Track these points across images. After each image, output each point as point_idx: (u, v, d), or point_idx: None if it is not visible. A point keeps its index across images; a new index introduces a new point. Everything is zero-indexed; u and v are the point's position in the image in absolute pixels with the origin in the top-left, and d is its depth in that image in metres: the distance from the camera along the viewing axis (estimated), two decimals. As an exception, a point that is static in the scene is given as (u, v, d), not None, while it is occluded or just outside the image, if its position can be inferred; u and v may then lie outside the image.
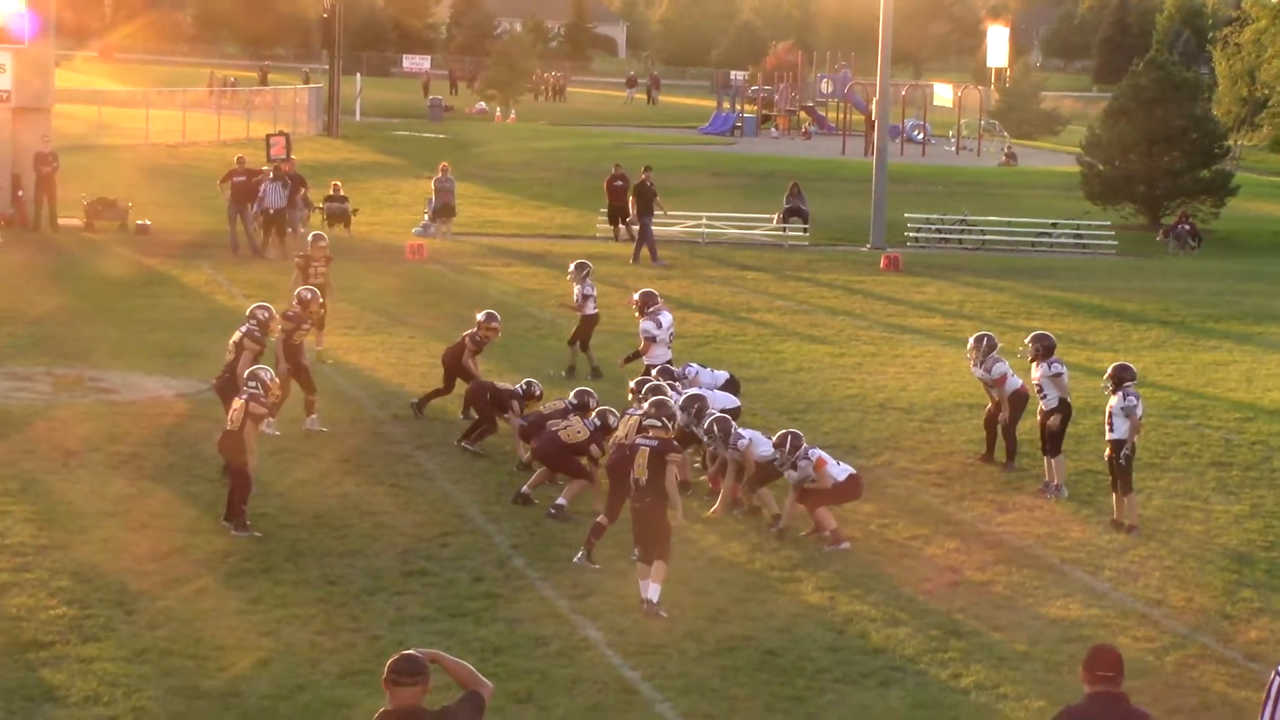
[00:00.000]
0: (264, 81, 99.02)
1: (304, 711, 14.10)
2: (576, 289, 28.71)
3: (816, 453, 19.77)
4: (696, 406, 20.99)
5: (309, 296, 24.53)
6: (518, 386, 23.23)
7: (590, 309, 28.57)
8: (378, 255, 42.42)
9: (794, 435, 19.94)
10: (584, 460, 20.64)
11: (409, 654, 9.47)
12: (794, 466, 19.72)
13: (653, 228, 44.86)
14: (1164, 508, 21.78)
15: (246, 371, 19.76)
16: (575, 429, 20.74)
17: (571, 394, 21.79)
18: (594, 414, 21.01)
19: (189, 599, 16.67)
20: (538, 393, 23.12)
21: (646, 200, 45.02)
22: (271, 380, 19.47)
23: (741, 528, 20.03)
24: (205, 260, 40.11)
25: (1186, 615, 17.65)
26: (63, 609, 16.21)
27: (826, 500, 19.57)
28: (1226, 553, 19.98)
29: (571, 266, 29.34)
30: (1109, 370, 21.09)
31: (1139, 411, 20.55)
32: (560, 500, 20.25)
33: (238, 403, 19.12)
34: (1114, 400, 20.65)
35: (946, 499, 21.84)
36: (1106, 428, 20.74)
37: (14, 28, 44.35)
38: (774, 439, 20.05)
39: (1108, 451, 20.81)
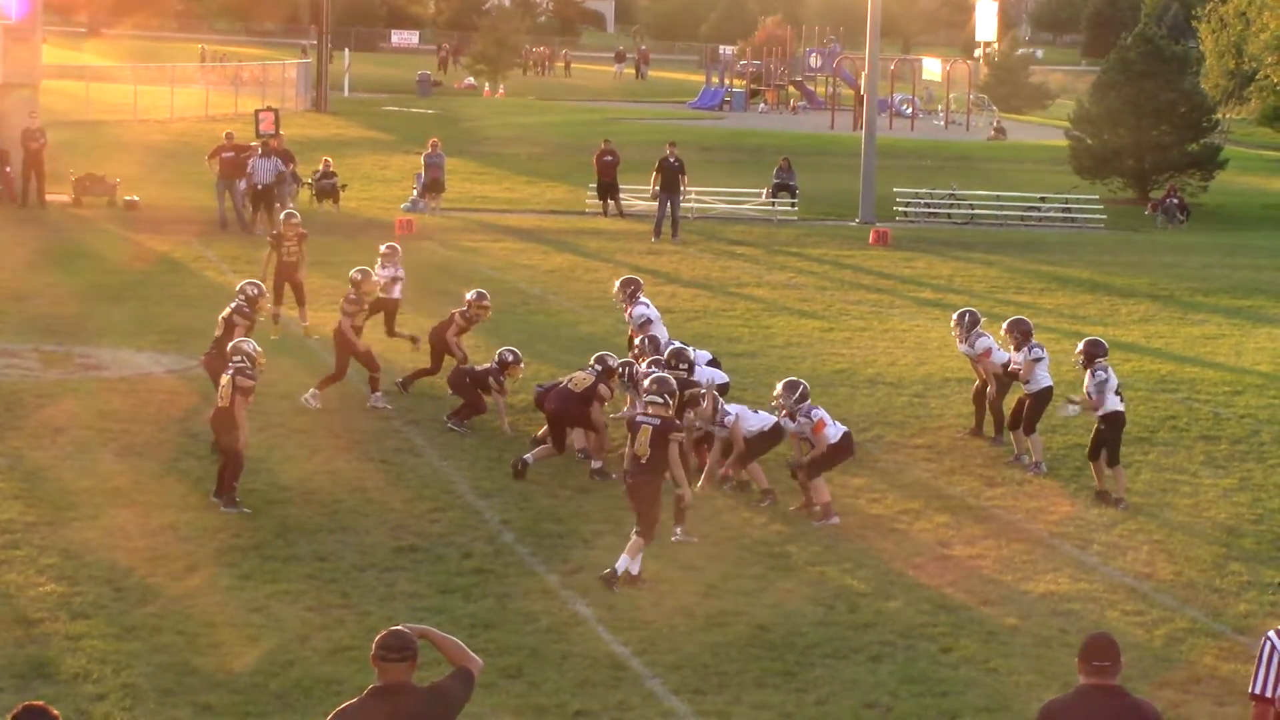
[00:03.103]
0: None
1: (294, 688, 14.11)
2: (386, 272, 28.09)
3: (819, 413, 19.63)
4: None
5: (359, 277, 24.30)
6: (492, 362, 23.19)
7: (395, 293, 27.97)
8: (366, 231, 42.32)
9: (804, 385, 19.86)
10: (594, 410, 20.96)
11: (397, 630, 9.46)
12: (792, 417, 19.63)
13: (666, 205, 44.17)
14: (1152, 481, 21.82)
15: (230, 345, 19.71)
16: (581, 377, 21.03)
17: (593, 359, 21.71)
18: (592, 359, 21.31)
19: (178, 576, 16.67)
20: (510, 359, 23.11)
21: (670, 176, 44.39)
22: (255, 352, 19.40)
23: (731, 503, 20.04)
24: (193, 236, 40.06)
25: (1175, 589, 17.68)
26: (51, 586, 16.20)
27: (824, 466, 19.51)
28: (1215, 526, 20.02)
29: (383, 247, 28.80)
30: (1080, 345, 21.16)
31: (1111, 380, 20.57)
32: (595, 464, 20.64)
33: (225, 378, 19.09)
34: (1086, 379, 20.78)
35: (936, 473, 21.87)
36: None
37: (3, 4, 44.27)
38: (782, 383, 19.96)
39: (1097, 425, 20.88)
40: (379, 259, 28.00)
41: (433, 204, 47.05)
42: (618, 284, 25.51)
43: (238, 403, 18.92)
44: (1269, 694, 10.86)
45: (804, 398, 19.63)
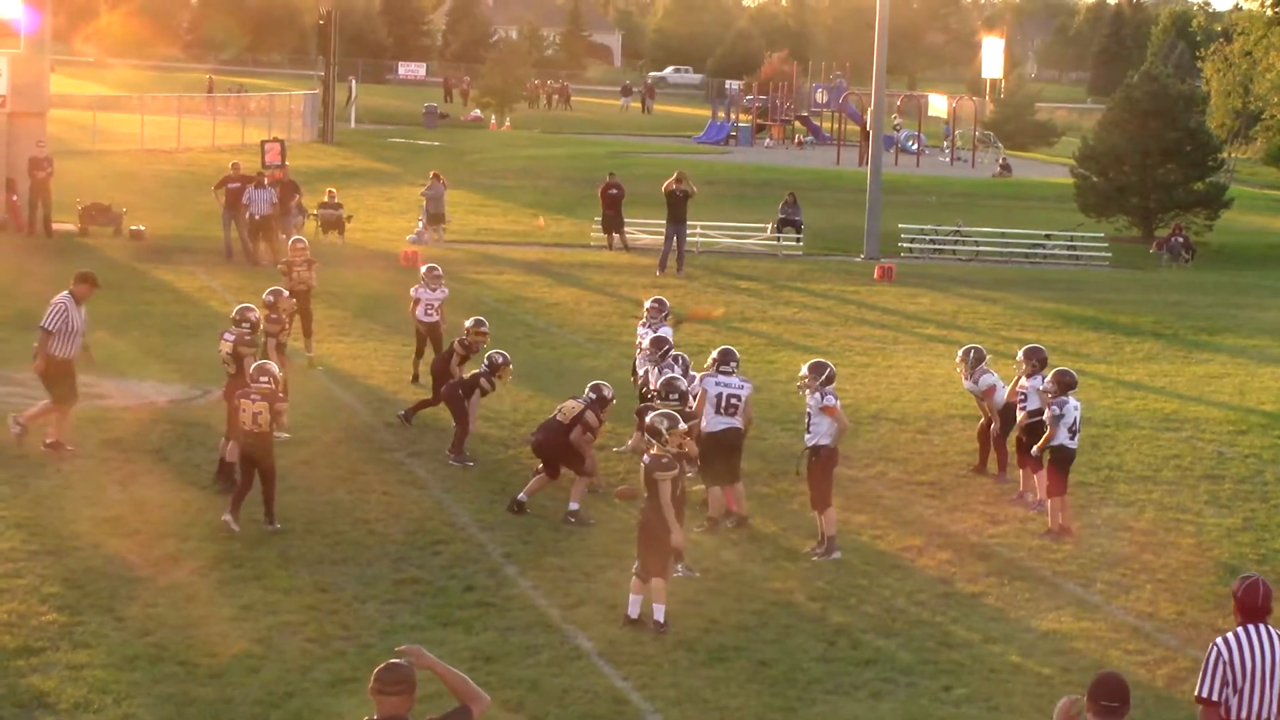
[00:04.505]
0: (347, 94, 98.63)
1: (294, 719, 14.08)
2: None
3: (834, 400, 19.66)
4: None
5: (272, 299, 24.35)
6: (483, 365, 23.20)
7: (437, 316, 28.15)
8: (372, 262, 42.42)
9: (831, 368, 19.76)
10: (583, 434, 20.76)
11: (394, 663, 9.39)
12: (812, 392, 19.51)
13: (673, 238, 44.11)
14: (1156, 520, 21.80)
15: (254, 367, 19.80)
16: (571, 406, 20.91)
17: (588, 387, 21.63)
18: (588, 389, 21.18)
19: (180, 605, 16.66)
20: (500, 360, 23.21)
21: (676, 207, 44.26)
22: (280, 374, 19.65)
23: (733, 538, 20.02)
24: (199, 266, 40.10)
25: (1178, 629, 17.65)
26: (53, 615, 16.19)
27: (827, 480, 19.43)
28: (1218, 566, 19.99)
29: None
30: (1050, 375, 21.17)
31: (1068, 417, 20.71)
32: (572, 504, 20.36)
33: (259, 405, 19.15)
34: (1047, 410, 21.05)
35: (939, 510, 21.85)
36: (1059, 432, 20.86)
37: (12, 23, 44.43)
38: (808, 364, 19.88)
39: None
40: (422, 281, 28.03)
41: (433, 235, 47.09)
42: (653, 302, 25.22)
43: (278, 425, 19.42)
44: (1214, 697, 11.44)
45: (829, 380, 19.57)
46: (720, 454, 20.34)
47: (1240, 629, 11.62)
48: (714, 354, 20.93)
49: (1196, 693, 11.59)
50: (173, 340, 30.54)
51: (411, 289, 28.36)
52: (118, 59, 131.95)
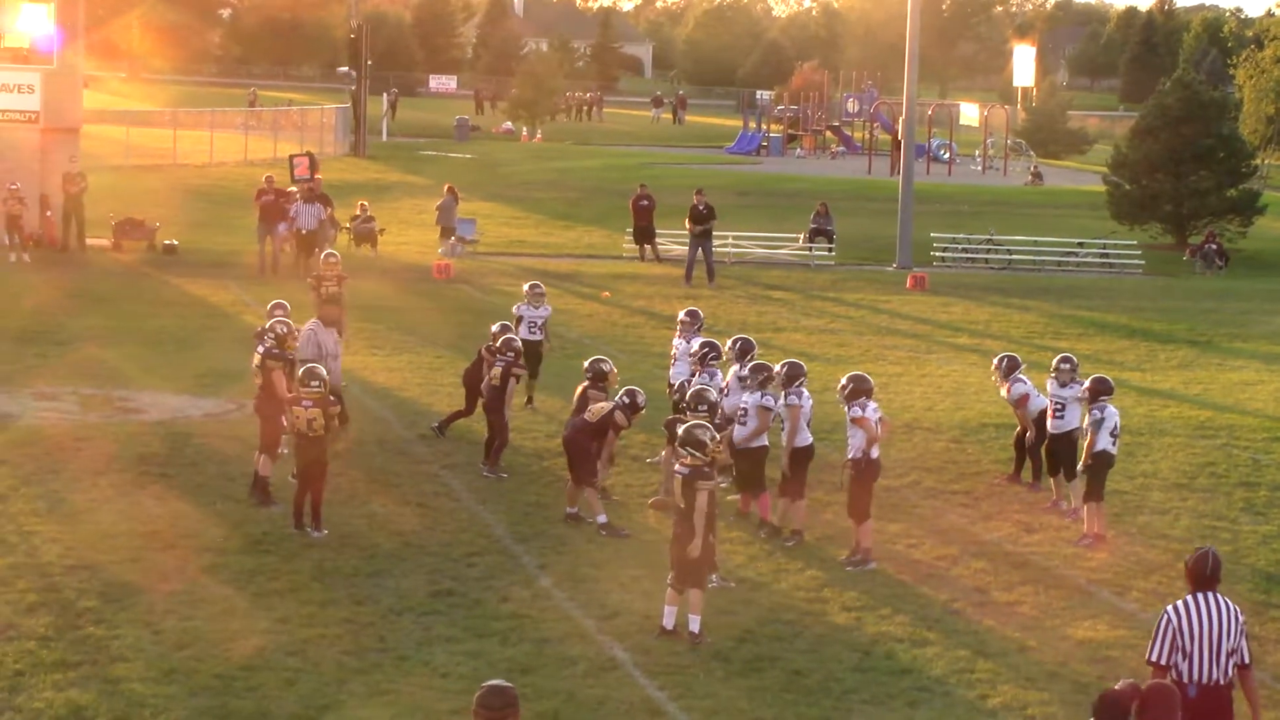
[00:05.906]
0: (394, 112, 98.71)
1: (331, 731, 14.13)
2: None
3: (861, 412, 19.60)
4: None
5: (284, 331, 23.58)
6: (506, 357, 23.20)
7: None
8: (404, 275, 42.52)
9: (870, 383, 19.88)
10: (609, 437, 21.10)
11: (498, 684, 9.17)
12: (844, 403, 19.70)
13: (697, 249, 44.40)
14: (1191, 528, 21.73)
15: (303, 371, 20.00)
16: (600, 406, 21.07)
17: (622, 390, 21.64)
18: (622, 392, 21.31)
19: (217, 619, 16.70)
20: (518, 343, 23.51)
21: (699, 221, 44.65)
22: (326, 377, 19.87)
23: (767, 548, 20.03)
24: (233, 280, 40.23)
25: (1214, 636, 17.57)
26: (90, 629, 16.25)
27: (866, 493, 19.45)
28: (1254, 573, 19.93)
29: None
30: (1087, 382, 21.14)
31: (1108, 421, 20.75)
32: (600, 518, 20.40)
33: (312, 411, 19.44)
34: (1084, 415, 21.16)
35: (973, 519, 21.82)
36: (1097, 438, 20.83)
37: (42, 43, 44.64)
38: (848, 375, 20.03)
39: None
40: (526, 300, 27.83)
41: (450, 247, 47.03)
42: (685, 314, 25.18)
43: (331, 428, 19.72)
44: (1163, 661, 12.23)
45: (857, 394, 19.61)
46: (804, 467, 20.57)
47: (1190, 596, 12.34)
48: (779, 368, 20.92)
49: (1146, 657, 12.28)
50: (206, 354, 30.61)
51: (514, 307, 28.16)
52: (151, 75, 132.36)
